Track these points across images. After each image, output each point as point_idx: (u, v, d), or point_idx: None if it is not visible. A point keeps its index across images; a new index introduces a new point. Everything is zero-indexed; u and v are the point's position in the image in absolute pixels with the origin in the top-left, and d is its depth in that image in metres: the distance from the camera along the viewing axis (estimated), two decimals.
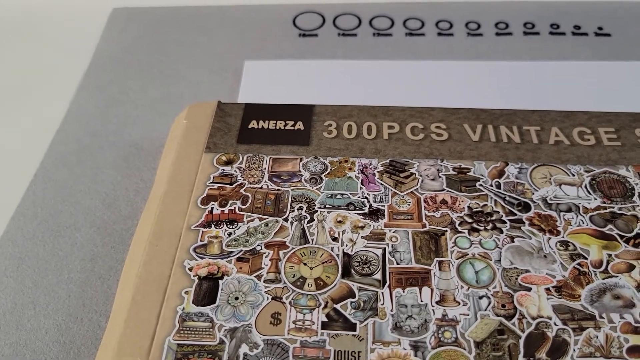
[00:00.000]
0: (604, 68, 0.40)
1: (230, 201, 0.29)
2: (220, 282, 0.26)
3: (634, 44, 0.42)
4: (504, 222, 0.28)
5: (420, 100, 0.39)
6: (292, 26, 0.45)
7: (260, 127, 0.33)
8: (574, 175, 0.30)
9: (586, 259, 0.27)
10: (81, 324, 0.29)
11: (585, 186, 0.30)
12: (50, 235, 0.33)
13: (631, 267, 0.26)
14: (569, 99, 0.39)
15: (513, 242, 0.27)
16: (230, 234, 0.28)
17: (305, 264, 0.27)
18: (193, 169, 0.31)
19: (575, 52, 0.42)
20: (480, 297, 0.25)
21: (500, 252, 0.27)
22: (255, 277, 0.26)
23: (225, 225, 0.28)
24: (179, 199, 0.30)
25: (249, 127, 0.33)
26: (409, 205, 0.29)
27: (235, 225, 0.28)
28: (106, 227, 0.33)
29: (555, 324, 0.24)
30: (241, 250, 0.27)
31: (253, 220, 0.29)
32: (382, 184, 0.30)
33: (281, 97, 0.39)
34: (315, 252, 0.27)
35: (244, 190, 0.30)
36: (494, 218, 0.28)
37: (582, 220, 0.28)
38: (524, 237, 0.28)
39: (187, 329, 0.25)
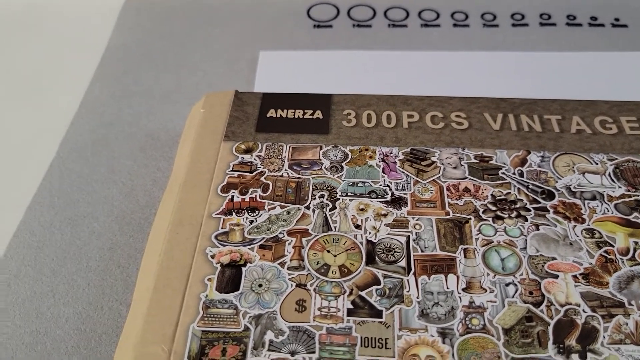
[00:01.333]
0: (620, 59, 0.40)
1: (251, 189, 0.29)
2: (243, 269, 0.26)
3: None
4: (528, 210, 0.28)
5: (435, 91, 0.39)
6: (307, 17, 0.45)
7: (278, 115, 0.33)
8: (597, 163, 0.30)
9: (613, 246, 0.26)
10: (101, 312, 0.29)
11: (609, 174, 0.30)
12: (68, 224, 0.32)
13: None
14: (585, 90, 0.39)
15: (538, 229, 0.27)
16: (251, 222, 0.28)
17: (328, 251, 0.26)
18: (212, 157, 0.31)
19: (592, 43, 0.41)
20: (507, 284, 0.25)
21: (526, 240, 0.27)
22: (278, 264, 0.26)
23: (246, 212, 0.28)
24: (198, 187, 0.29)
25: (268, 115, 0.33)
26: (431, 193, 0.29)
27: (257, 213, 0.28)
28: (124, 216, 0.33)
29: (584, 310, 0.24)
30: (263, 238, 0.27)
31: (274, 208, 0.28)
32: (403, 172, 0.30)
33: (297, 88, 0.39)
34: (338, 239, 0.27)
35: (265, 179, 0.30)
36: (517, 206, 0.28)
37: (607, 208, 0.28)
38: (549, 225, 0.27)
39: (211, 315, 0.24)
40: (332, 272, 0.26)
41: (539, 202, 0.28)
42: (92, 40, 0.45)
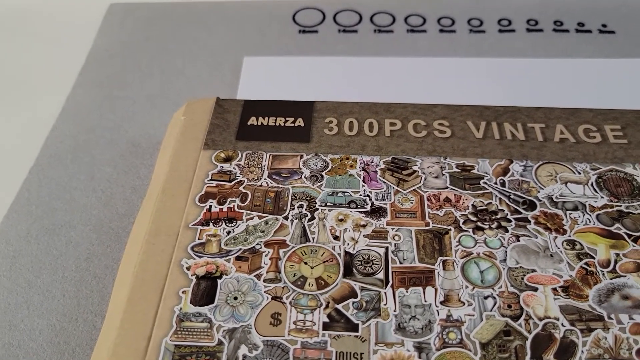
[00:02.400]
0: (608, 65, 0.40)
1: (229, 199, 0.29)
2: (219, 281, 0.26)
3: (638, 41, 0.41)
4: (509, 221, 0.28)
5: (421, 97, 0.38)
6: (292, 22, 0.45)
7: (259, 123, 0.33)
8: (579, 173, 0.30)
9: (593, 258, 0.26)
10: (76, 324, 0.28)
11: (592, 184, 0.29)
12: (45, 233, 0.32)
13: (639, 267, 0.26)
14: (572, 96, 0.38)
15: (519, 241, 0.27)
16: (229, 233, 0.27)
17: (306, 263, 0.26)
18: (191, 166, 0.30)
19: (579, 50, 0.41)
20: (486, 297, 0.25)
21: (506, 252, 0.26)
22: (254, 276, 0.26)
23: (223, 223, 0.28)
24: (176, 197, 0.29)
25: (248, 123, 0.33)
26: (411, 203, 0.29)
27: (234, 224, 0.28)
28: (102, 226, 0.32)
29: (562, 324, 0.24)
30: (240, 249, 0.27)
31: (252, 218, 0.28)
32: (384, 182, 0.29)
33: (281, 94, 0.39)
34: (316, 250, 0.27)
35: (243, 188, 0.29)
36: (499, 216, 0.28)
37: (588, 219, 0.28)
38: (529, 236, 0.27)
39: (185, 329, 0.24)
40: (309, 284, 0.25)
41: (520, 213, 0.28)
42: (76, 45, 0.45)
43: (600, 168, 0.30)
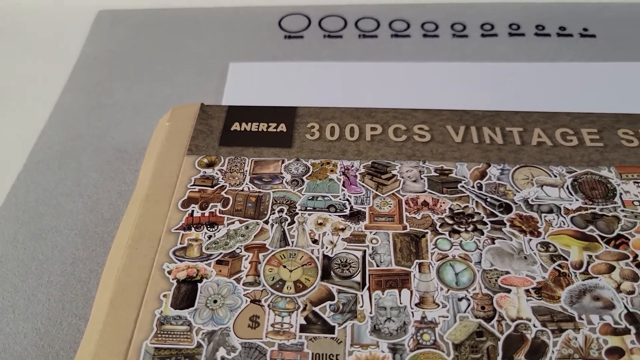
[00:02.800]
0: (588, 69, 0.40)
1: (211, 204, 0.29)
2: (199, 285, 0.26)
3: (619, 45, 0.42)
4: (485, 224, 0.28)
5: (406, 101, 0.39)
6: (278, 28, 0.46)
7: (242, 129, 0.33)
8: (556, 176, 0.30)
9: (567, 260, 0.27)
10: (60, 327, 0.29)
11: (567, 187, 0.30)
12: (32, 238, 0.32)
13: (611, 268, 0.26)
14: (554, 100, 0.39)
15: (494, 243, 0.27)
16: (210, 237, 0.28)
17: (284, 267, 0.27)
18: (174, 171, 0.31)
19: (561, 53, 0.42)
20: (460, 299, 0.25)
21: (481, 254, 0.27)
22: (234, 280, 0.26)
23: (205, 227, 0.28)
24: (159, 202, 0.29)
25: (232, 129, 0.33)
26: (390, 207, 0.29)
27: (216, 228, 0.28)
28: (87, 231, 0.33)
29: (534, 325, 0.24)
30: (221, 253, 0.27)
31: (233, 222, 0.28)
32: (363, 186, 0.30)
33: (266, 99, 0.39)
34: (295, 254, 0.27)
35: (225, 193, 0.30)
36: (475, 219, 0.28)
37: (563, 222, 0.28)
38: (504, 239, 0.28)
39: (165, 332, 0.24)
40: (287, 287, 0.26)
41: (496, 216, 0.29)
42: (64, 51, 0.45)
43: (576, 171, 0.31)
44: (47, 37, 0.47)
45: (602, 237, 0.28)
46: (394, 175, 0.30)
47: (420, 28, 0.44)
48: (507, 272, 0.26)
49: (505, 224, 0.28)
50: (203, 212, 0.29)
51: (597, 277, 0.26)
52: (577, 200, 0.29)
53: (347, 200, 0.29)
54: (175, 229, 0.28)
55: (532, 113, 0.34)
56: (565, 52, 0.42)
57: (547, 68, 0.40)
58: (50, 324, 0.29)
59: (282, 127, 0.33)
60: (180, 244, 0.28)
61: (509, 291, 0.26)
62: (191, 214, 0.29)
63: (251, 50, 0.44)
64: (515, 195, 0.29)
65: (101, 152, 0.37)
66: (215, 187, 0.30)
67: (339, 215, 0.29)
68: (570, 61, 0.40)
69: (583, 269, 0.26)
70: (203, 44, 0.45)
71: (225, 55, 0.43)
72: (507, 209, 0.29)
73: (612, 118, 0.33)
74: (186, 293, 0.26)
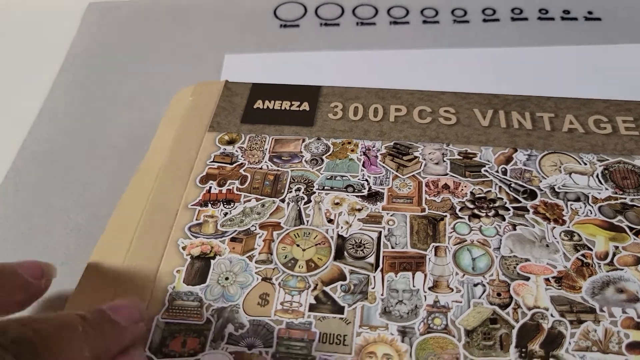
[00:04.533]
0: (593, 52, 0.38)
1: (229, 181, 0.29)
2: (212, 262, 0.26)
3: (625, 28, 0.40)
4: (507, 210, 0.27)
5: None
6: (273, 17, 0.44)
7: (265, 107, 0.33)
8: (585, 164, 0.29)
9: (591, 250, 0.26)
10: None
11: (597, 176, 0.29)
12: (21, 238, 0.31)
13: (638, 261, 0.25)
14: (559, 84, 0.36)
15: (515, 229, 0.26)
16: (226, 214, 0.28)
17: (298, 246, 0.26)
18: (194, 147, 0.31)
19: (565, 37, 0.40)
20: (475, 285, 0.25)
21: (501, 240, 0.26)
22: (247, 257, 0.26)
23: (222, 204, 0.28)
24: (178, 177, 0.30)
25: (254, 107, 0.33)
26: (409, 189, 0.28)
27: (232, 205, 0.28)
28: (79, 229, 0.31)
29: (552, 315, 0.23)
30: (235, 231, 0.27)
31: (250, 200, 0.28)
32: (384, 167, 0.29)
33: None
34: (309, 233, 0.27)
35: (244, 170, 0.30)
36: (497, 205, 0.27)
37: (590, 211, 0.27)
38: (526, 226, 0.27)
39: (176, 308, 0.25)
40: (299, 266, 0.26)
41: (520, 202, 0.28)
42: (54, 44, 0.43)
43: (608, 160, 0.29)
44: (36, 30, 0.45)
45: (631, 229, 0.26)
46: (415, 157, 0.30)
47: (419, 14, 0.43)
48: (527, 260, 0.25)
49: (528, 211, 0.27)
50: (221, 189, 0.29)
51: (622, 269, 0.25)
52: (606, 189, 0.28)
53: (366, 180, 0.29)
54: (192, 205, 0.28)
55: (565, 99, 0.32)
56: (570, 36, 0.40)
57: (551, 52, 0.39)
58: None
59: (305, 106, 0.33)
60: (196, 220, 0.28)
61: (527, 279, 0.25)
62: (209, 191, 0.29)
63: (246, 41, 0.42)
64: (541, 181, 0.28)
65: (92, 148, 0.35)
66: (234, 165, 0.30)
67: (356, 196, 0.28)
68: (575, 45, 0.39)
69: (608, 260, 0.25)
70: (196, 34, 0.43)
71: (219, 45, 0.42)
72: (532, 195, 0.28)
73: None
74: (199, 269, 0.26)
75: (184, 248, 0.27)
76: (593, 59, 0.38)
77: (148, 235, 0.27)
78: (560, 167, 0.29)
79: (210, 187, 0.29)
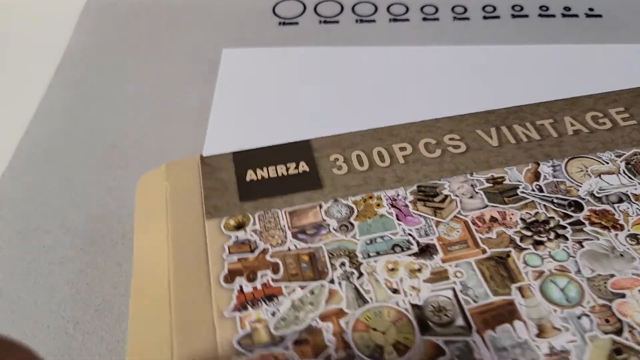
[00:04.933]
0: (595, 51, 0.39)
1: (259, 272, 0.25)
2: None
3: (627, 26, 0.41)
4: (564, 227, 0.26)
5: (405, 87, 0.36)
6: (272, 14, 0.43)
7: (260, 177, 0.29)
8: (607, 162, 0.29)
9: None
10: (47, 331, 0.27)
11: (623, 171, 0.28)
12: (17, 238, 0.31)
13: None
14: (562, 83, 0.37)
15: (583, 247, 0.25)
16: (274, 314, 0.23)
17: (375, 330, 0.23)
18: (199, 241, 0.26)
19: (566, 35, 0.40)
20: (579, 317, 0.23)
21: (576, 261, 0.24)
22: (323, 359, 0.22)
23: (263, 303, 0.24)
24: (195, 282, 0.24)
25: (247, 179, 0.29)
26: (458, 232, 0.26)
27: (276, 301, 0.24)
28: (76, 229, 0.31)
29: None
30: (295, 332, 0.23)
31: (294, 290, 0.24)
32: (419, 215, 0.27)
33: (261, 86, 0.37)
34: (380, 312, 0.23)
35: (271, 257, 0.25)
36: (552, 225, 0.26)
37: (638, 209, 0.26)
38: (591, 239, 0.25)
39: None
40: (388, 353, 0.22)
41: (571, 216, 0.26)
42: (51, 44, 0.43)
43: (624, 153, 0.29)
44: (33, 29, 0.44)
45: None
46: (446, 196, 0.27)
47: (419, 11, 0.43)
48: (612, 275, 0.24)
49: (584, 223, 0.26)
50: (254, 284, 0.24)
51: None
52: (639, 183, 0.27)
53: (409, 235, 0.26)
54: (230, 313, 0.23)
55: (554, 102, 0.32)
56: (571, 33, 0.40)
57: (552, 50, 0.39)
58: (36, 327, 0.27)
59: (304, 166, 0.29)
60: (242, 329, 0.23)
61: (623, 295, 0.23)
62: (241, 290, 0.24)
63: (244, 39, 0.41)
64: (578, 190, 0.27)
65: (90, 148, 0.35)
66: (257, 252, 0.25)
67: (408, 255, 0.25)
68: (576, 43, 0.39)
69: None
70: (194, 33, 0.43)
71: (217, 44, 0.41)
72: (578, 206, 0.27)
73: (633, 93, 0.32)
74: None
75: None
76: (594, 57, 0.38)
77: None
78: (586, 171, 0.28)
79: (241, 286, 0.24)
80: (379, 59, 0.39)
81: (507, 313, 0.23)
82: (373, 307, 0.23)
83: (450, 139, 0.30)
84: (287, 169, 0.29)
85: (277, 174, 0.29)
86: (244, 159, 0.30)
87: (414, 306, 0.23)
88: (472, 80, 0.37)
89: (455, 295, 0.24)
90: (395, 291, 0.24)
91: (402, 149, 0.30)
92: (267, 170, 0.29)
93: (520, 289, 0.24)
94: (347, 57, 0.39)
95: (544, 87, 0.35)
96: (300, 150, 0.30)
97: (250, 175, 0.29)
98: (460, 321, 0.23)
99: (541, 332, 0.22)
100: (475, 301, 0.23)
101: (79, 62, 0.41)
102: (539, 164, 0.29)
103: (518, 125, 0.31)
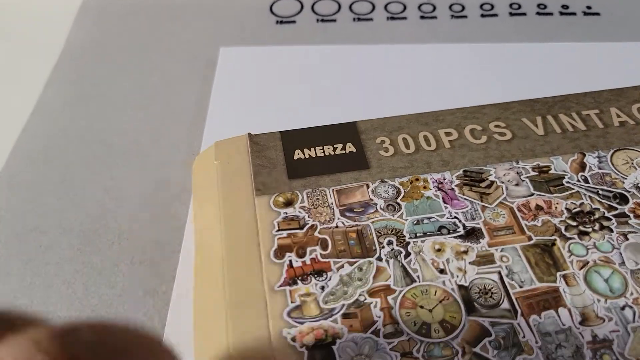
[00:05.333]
0: (593, 49, 0.39)
1: (308, 248, 0.25)
2: (334, 347, 0.22)
3: (624, 24, 0.41)
4: (609, 219, 0.26)
5: (405, 84, 0.37)
6: (269, 13, 0.43)
7: (307, 156, 0.29)
8: None
9: None
10: None
11: None
12: (14, 238, 0.30)
13: None
14: (560, 81, 0.37)
15: (627, 239, 0.25)
16: (323, 288, 0.24)
17: (422, 307, 0.23)
18: (250, 217, 0.27)
19: (564, 33, 0.40)
20: (622, 308, 0.23)
21: (620, 253, 0.25)
22: (372, 333, 0.23)
23: (312, 278, 0.24)
24: (248, 258, 0.25)
25: (295, 158, 0.29)
26: (504, 217, 0.26)
27: (325, 276, 0.24)
28: (73, 229, 0.30)
29: None
30: (343, 305, 0.23)
31: (343, 266, 0.25)
32: (466, 199, 0.27)
33: (259, 85, 0.37)
34: (427, 290, 0.24)
35: (319, 233, 0.26)
36: (597, 217, 0.26)
37: None
38: (636, 232, 0.25)
39: None
40: (435, 330, 0.23)
41: (616, 208, 0.26)
42: (48, 41, 0.42)
43: None
44: (30, 26, 0.44)
45: None
46: (492, 182, 0.28)
47: (417, 9, 0.42)
48: None
49: (629, 216, 0.26)
50: (303, 259, 0.25)
51: None
52: None
53: (456, 217, 0.26)
54: (280, 286, 0.24)
55: (601, 92, 0.32)
56: (569, 31, 0.40)
57: (550, 48, 0.39)
58: None
59: (351, 147, 0.30)
60: (292, 302, 0.24)
61: None
62: (290, 265, 0.25)
63: (242, 37, 0.41)
64: (624, 183, 0.27)
65: (87, 146, 0.35)
66: (306, 228, 0.26)
67: (454, 237, 0.26)
68: (574, 41, 0.39)
69: None
70: (191, 31, 0.42)
71: (214, 42, 0.41)
72: (623, 199, 0.27)
73: None
74: None
75: (293, 339, 0.22)
76: (592, 55, 0.38)
77: (246, 335, 0.23)
78: (632, 163, 0.28)
79: (291, 260, 0.25)
80: (377, 57, 0.39)
81: (552, 299, 0.23)
82: (420, 285, 0.24)
83: (496, 126, 0.30)
84: (335, 149, 0.30)
85: (325, 153, 0.29)
86: (292, 138, 0.30)
87: (460, 287, 0.24)
88: (471, 78, 0.37)
89: (501, 278, 0.24)
90: (442, 271, 0.24)
91: (448, 134, 0.30)
92: (315, 150, 0.30)
93: (565, 277, 0.24)
94: (344, 55, 0.39)
95: (540, 82, 0.35)
96: (346, 131, 0.30)
97: (297, 154, 0.29)
98: (506, 304, 0.23)
99: (585, 320, 0.23)
100: (520, 286, 0.24)
101: (77, 60, 0.41)
102: (584, 155, 0.29)
103: (564, 115, 0.31)
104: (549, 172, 0.28)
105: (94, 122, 0.36)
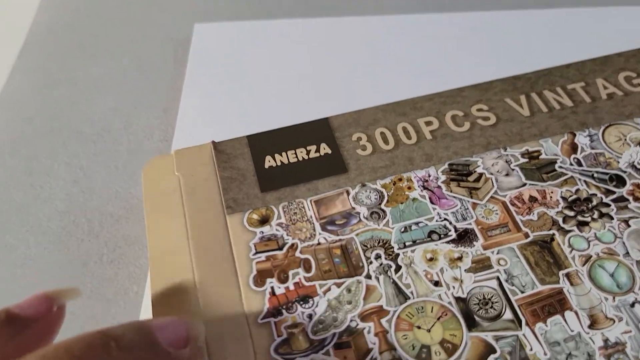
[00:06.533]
0: (572, 15, 0.36)
1: (290, 271, 0.23)
2: None
3: None
4: (608, 205, 0.24)
5: (389, 58, 0.34)
6: None
7: (279, 163, 0.27)
8: None
9: None
10: None
11: None
12: None
13: None
14: (563, 49, 0.34)
15: (629, 226, 0.24)
16: (310, 316, 0.22)
17: (419, 327, 0.21)
18: (222, 239, 0.24)
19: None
20: (632, 305, 0.21)
21: (623, 242, 0.23)
22: None
23: (298, 305, 0.22)
24: (223, 285, 0.23)
25: (266, 166, 0.27)
26: (497, 214, 0.24)
27: (312, 303, 0.22)
28: (40, 226, 0.28)
29: None
30: (334, 334, 0.21)
31: (329, 289, 0.23)
32: (454, 197, 0.25)
33: (236, 62, 0.35)
34: (422, 308, 0.22)
35: (301, 253, 0.24)
36: (595, 203, 0.24)
37: None
38: (637, 217, 0.24)
39: None
40: (436, 353, 0.21)
41: (614, 192, 0.25)
42: (13, 24, 0.40)
43: None
44: None
45: None
46: (481, 174, 0.26)
47: None
48: None
49: (628, 199, 0.24)
50: (286, 285, 0.23)
51: None
52: None
53: (446, 219, 0.24)
54: (263, 319, 0.22)
55: (585, 62, 0.30)
56: None
57: (528, 16, 0.36)
58: None
59: (325, 148, 0.27)
60: (278, 336, 0.22)
61: None
62: (273, 292, 0.23)
63: (217, 12, 0.39)
64: (618, 162, 0.26)
65: (55, 135, 0.32)
66: (286, 248, 0.24)
67: (446, 242, 0.24)
68: (552, 7, 0.37)
69: None
70: (163, 9, 0.40)
71: (187, 19, 0.38)
72: (620, 180, 0.25)
73: None
74: None
75: None
76: (572, 22, 0.36)
77: None
78: (625, 139, 0.27)
79: (273, 288, 0.23)
80: (358, 29, 0.36)
81: (556, 303, 0.22)
82: (415, 302, 0.22)
83: (478, 110, 0.28)
84: (308, 152, 0.27)
85: (298, 158, 0.27)
86: (260, 143, 0.28)
87: (457, 299, 0.22)
88: (470, 48, 0.34)
89: (500, 285, 0.22)
90: (436, 283, 0.22)
91: (428, 123, 0.28)
92: (287, 154, 0.27)
93: (568, 275, 0.22)
94: (325, 28, 0.36)
95: (543, 51, 0.33)
96: (319, 130, 0.28)
97: (268, 162, 0.27)
98: (508, 314, 0.22)
99: (594, 323, 0.21)
100: (522, 291, 0.22)
101: (43, 44, 0.38)
102: (575, 135, 0.27)
103: (548, 91, 0.29)
104: (540, 157, 0.26)
105: (63, 109, 0.34)
